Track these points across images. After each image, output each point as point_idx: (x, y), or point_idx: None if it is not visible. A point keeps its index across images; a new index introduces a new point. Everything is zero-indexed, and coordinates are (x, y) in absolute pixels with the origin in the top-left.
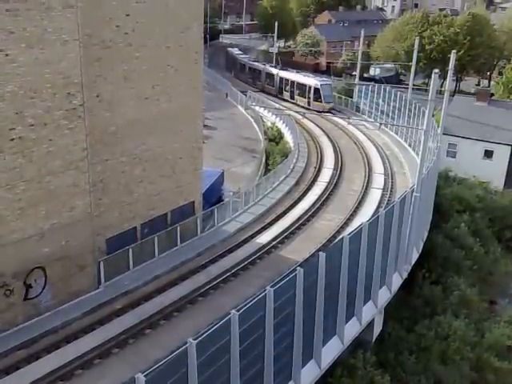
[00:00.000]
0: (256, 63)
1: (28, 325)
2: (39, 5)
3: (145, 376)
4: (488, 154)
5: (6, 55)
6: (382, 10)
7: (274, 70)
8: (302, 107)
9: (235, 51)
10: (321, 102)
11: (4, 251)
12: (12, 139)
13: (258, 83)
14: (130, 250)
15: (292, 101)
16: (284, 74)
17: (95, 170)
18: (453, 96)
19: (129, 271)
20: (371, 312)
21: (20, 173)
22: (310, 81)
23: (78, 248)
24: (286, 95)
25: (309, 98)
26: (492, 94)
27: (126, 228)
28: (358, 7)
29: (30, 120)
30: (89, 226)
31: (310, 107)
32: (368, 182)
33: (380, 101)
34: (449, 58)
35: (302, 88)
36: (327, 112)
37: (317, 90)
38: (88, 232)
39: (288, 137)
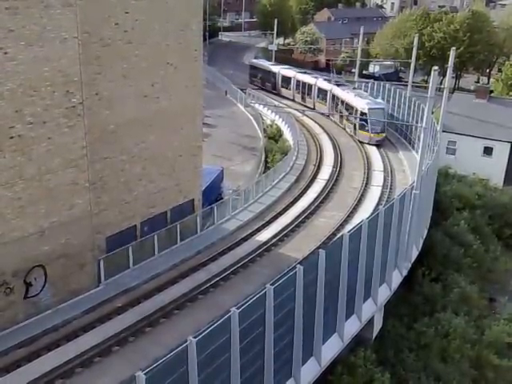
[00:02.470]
0: (306, 76)
1: (28, 323)
2: (38, 3)
3: (145, 374)
4: (487, 151)
5: (5, 53)
6: (381, 7)
7: (328, 86)
8: (350, 135)
9: (265, 63)
10: (367, 131)
11: (4, 249)
12: (11, 137)
13: (309, 100)
14: (130, 248)
15: (341, 125)
16: (337, 90)
17: (95, 169)
18: (452, 93)
19: (129, 269)
20: (371, 309)
21: (19, 171)
22: (358, 102)
23: (78, 246)
24: (337, 118)
25: (355, 123)
26: (491, 91)
27: (126, 226)
28: (358, 4)
29: (29, 118)
30: (88, 224)
31: (356, 136)
32: (368, 180)
33: (379, 98)
34: (448, 55)
35: (350, 110)
36: (374, 145)
37: (363, 115)
38: (88, 230)
39: (287, 134)
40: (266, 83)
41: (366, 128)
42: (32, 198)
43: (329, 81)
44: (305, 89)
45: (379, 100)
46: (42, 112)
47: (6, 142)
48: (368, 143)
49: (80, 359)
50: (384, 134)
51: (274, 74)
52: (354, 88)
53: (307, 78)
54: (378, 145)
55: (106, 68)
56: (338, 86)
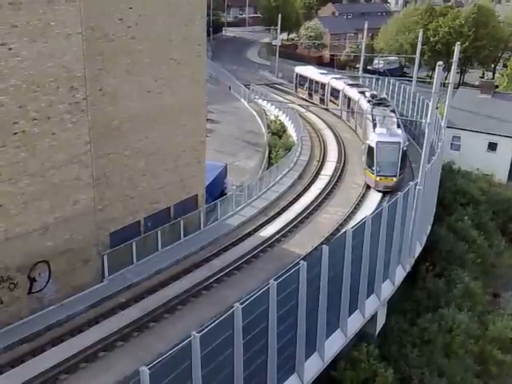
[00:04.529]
0: (353, 90)
1: (32, 318)
2: None
3: (149, 369)
4: (492, 146)
5: (9, 49)
6: (385, 2)
7: (366, 105)
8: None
9: (313, 71)
10: (372, 172)
11: (8, 245)
12: (15, 133)
13: (352, 119)
14: (134, 244)
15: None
16: (375, 110)
17: (98, 164)
18: (457, 88)
19: (132, 265)
20: (374, 305)
21: (23, 167)
22: (372, 131)
23: (82, 242)
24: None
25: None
26: (496, 86)
27: (130, 222)
28: None
29: (33, 114)
30: (92, 219)
31: (365, 180)
32: None
33: (384, 93)
34: (453, 50)
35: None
36: (385, 191)
37: (370, 151)
38: (91, 226)
39: (291, 130)
40: (314, 95)
41: (371, 168)
42: (36, 194)
43: (374, 97)
44: (350, 105)
45: (398, 131)
46: (46, 108)
47: (9, 137)
48: (374, 188)
49: (84, 354)
50: (395, 179)
51: (323, 85)
52: (392, 110)
53: (352, 92)
54: (387, 192)
55: (110, 64)
56: (376, 105)
